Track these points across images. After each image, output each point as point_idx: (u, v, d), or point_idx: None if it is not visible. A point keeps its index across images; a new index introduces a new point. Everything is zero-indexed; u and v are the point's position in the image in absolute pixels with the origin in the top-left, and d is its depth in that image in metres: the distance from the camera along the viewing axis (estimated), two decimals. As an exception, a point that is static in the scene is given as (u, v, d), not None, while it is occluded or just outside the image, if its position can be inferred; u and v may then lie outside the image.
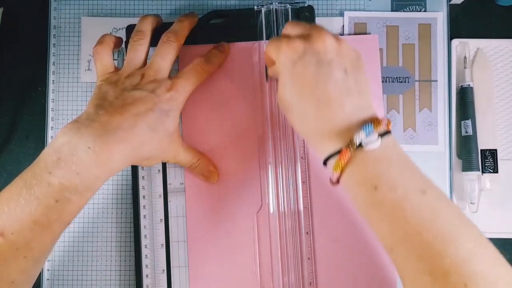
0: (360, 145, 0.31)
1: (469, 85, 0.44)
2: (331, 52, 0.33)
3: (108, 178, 0.35)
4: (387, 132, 0.32)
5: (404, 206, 0.29)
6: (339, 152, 0.32)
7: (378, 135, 0.31)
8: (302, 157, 0.42)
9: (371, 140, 0.31)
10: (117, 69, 0.39)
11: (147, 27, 0.39)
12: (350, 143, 0.31)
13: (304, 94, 0.33)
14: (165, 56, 0.38)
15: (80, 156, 0.33)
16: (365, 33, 0.45)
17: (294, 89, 0.34)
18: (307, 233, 0.42)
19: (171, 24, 0.40)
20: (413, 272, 0.29)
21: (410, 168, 0.31)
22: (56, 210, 0.32)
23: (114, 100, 0.36)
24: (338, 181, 0.33)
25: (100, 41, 0.39)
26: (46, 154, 0.33)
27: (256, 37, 0.43)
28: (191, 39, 0.41)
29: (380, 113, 0.43)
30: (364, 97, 0.33)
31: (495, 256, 0.29)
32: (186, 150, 0.41)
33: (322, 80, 0.33)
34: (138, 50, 0.39)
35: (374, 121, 0.31)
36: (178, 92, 0.37)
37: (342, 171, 0.32)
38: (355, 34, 0.45)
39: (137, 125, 0.35)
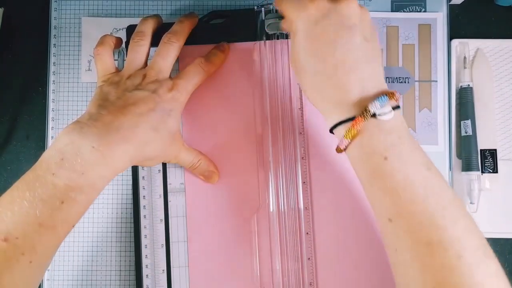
0: (373, 115, 0.31)
1: (468, 85, 0.44)
2: (355, 17, 0.32)
3: (112, 178, 0.35)
4: (398, 106, 0.32)
5: (412, 178, 0.30)
6: (349, 119, 0.32)
7: (392, 108, 0.31)
8: (302, 157, 0.42)
9: (384, 111, 0.31)
10: (117, 70, 0.39)
11: (148, 28, 0.40)
12: (364, 112, 0.31)
13: (321, 57, 0.32)
14: (166, 57, 0.38)
15: (84, 156, 0.32)
16: (365, 33, 0.45)
17: (311, 51, 0.33)
18: (307, 233, 0.42)
19: (171, 24, 0.40)
20: (411, 242, 0.30)
21: (416, 145, 0.32)
22: (62, 212, 0.32)
23: (116, 100, 0.36)
24: (345, 148, 0.33)
25: (101, 42, 0.39)
26: (48, 156, 0.33)
27: (256, 37, 0.43)
28: (192, 40, 0.41)
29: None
30: (380, 68, 0.33)
31: (482, 234, 0.30)
32: (187, 150, 0.41)
33: (342, 44, 0.32)
34: (139, 51, 0.39)
35: (388, 93, 0.31)
36: (179, 92, 0.37)
37: (352, 139, 0.32)
38: (355, 34, 0.45)
39: (139, 125, 0.35)
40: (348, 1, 0.32)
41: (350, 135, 0.32)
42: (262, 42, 0.43)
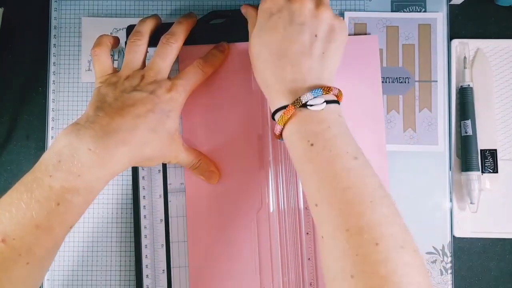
0: (306, 105, 0.33)
1: (469, 85, 0.44)
2: (305, 15, 0.35)
3: (109, 180, 0.35)
4: (336, 102, 0.34)
5: (334, 165, 0.32)
6: (286, 107, 0.34)
7: (325, 101, 0.33)
8: (302, 157, 0.42)
9: (316, 103, 0.33)
10: (115, 70, 0.39)
11: (145, 28, 0.40)
12: (296, 101, 0.33)
13: (270, 47, 0.36)
14: (165, 57, 0.38)
15: (81, 158, 0.33)
16: (365, 34, 0.45)
17: (263, 39, 0.36)
18: (307, 233, 0.42)
19: (171, 24, 0.40)
20: (333, 228, 0.31)
21: (347, 136, 0.34)
22: (58, 213, 0.32)
23: (113, 101, 0.35)
24: (281, 135, 0.36)
25: (98, 43, 0.39)
26: (46, 158, 0.33)
27: (256, 37, 0.43)
28: (191, 40, 0.41)
29: (379, 114, 0.43)
30: (325, 67, 0.35)
31: (404, 226, 0.31)
32: (187, 150, 0.41)
33: (289, 38, 0.35)
34: (137, 50, 0.39)
35: (324, 88, 0.34)
36: (178, 93, 0.37)
37: (284, 125, 0.34)
38: (355, 34, 0.45)
39: (137, 126, 0.35)
40: (301, 0, 0.36)
41: (282, 121, 0.34)
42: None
